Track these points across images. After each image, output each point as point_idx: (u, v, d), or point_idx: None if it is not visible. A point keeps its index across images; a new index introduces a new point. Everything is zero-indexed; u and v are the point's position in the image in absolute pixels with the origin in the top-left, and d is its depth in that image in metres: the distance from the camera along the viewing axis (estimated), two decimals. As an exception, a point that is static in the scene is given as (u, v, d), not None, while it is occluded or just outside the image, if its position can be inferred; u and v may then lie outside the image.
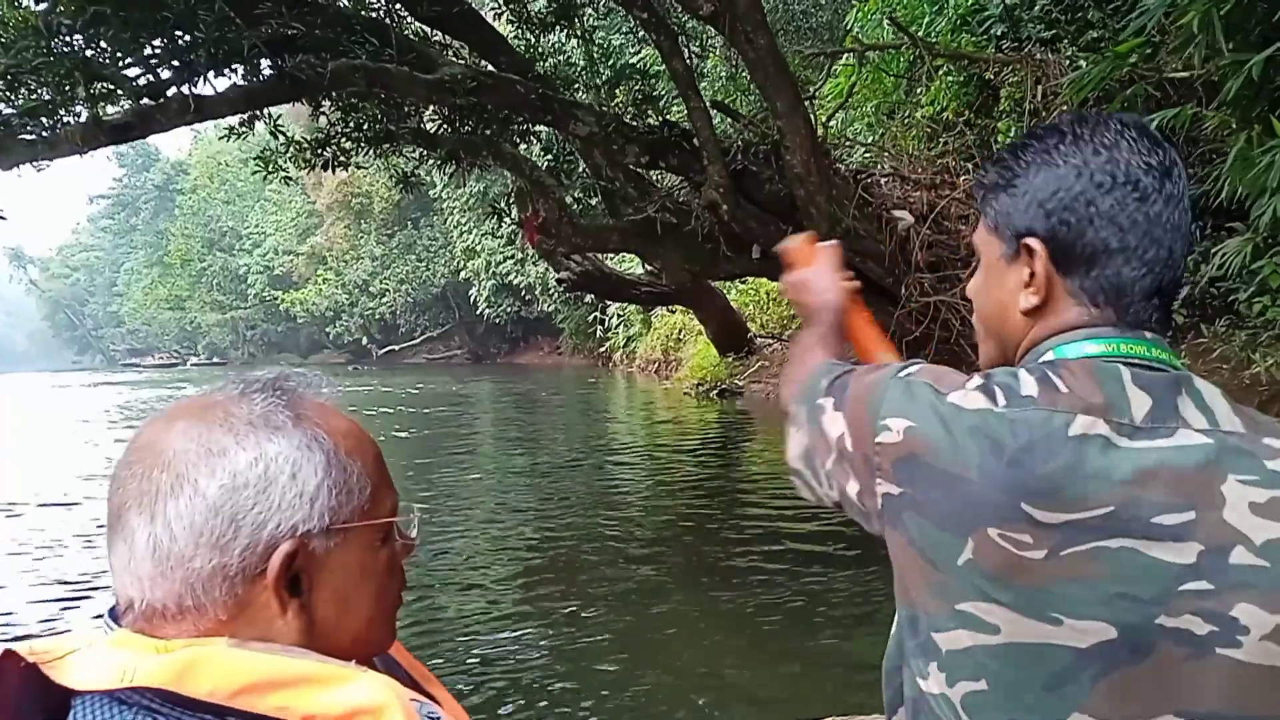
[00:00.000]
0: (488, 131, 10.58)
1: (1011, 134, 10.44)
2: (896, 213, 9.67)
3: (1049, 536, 0.81)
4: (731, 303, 16.62)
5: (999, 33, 11.35)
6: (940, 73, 11.96)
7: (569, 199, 10.52)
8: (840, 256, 1.42)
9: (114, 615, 0.76)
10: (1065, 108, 9.48)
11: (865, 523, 0.97)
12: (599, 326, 32.04)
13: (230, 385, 0.79)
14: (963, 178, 10.00)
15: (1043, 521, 0.81)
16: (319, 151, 11.62)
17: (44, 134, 7.13)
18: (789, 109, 9.24)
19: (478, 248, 38.77)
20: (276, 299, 54.76)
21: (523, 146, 11.40)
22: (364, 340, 51.97)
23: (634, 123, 9.79)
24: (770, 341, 16.35)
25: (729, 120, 10.28)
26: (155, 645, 0.70)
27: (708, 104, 9.81)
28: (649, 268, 15.50)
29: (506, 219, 12.16)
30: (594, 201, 10.98)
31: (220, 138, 12.92)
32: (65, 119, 7.25)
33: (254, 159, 12.04)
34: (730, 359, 16.36)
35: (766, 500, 8.62)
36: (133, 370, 65.68)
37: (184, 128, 9.01)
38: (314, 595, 0.75)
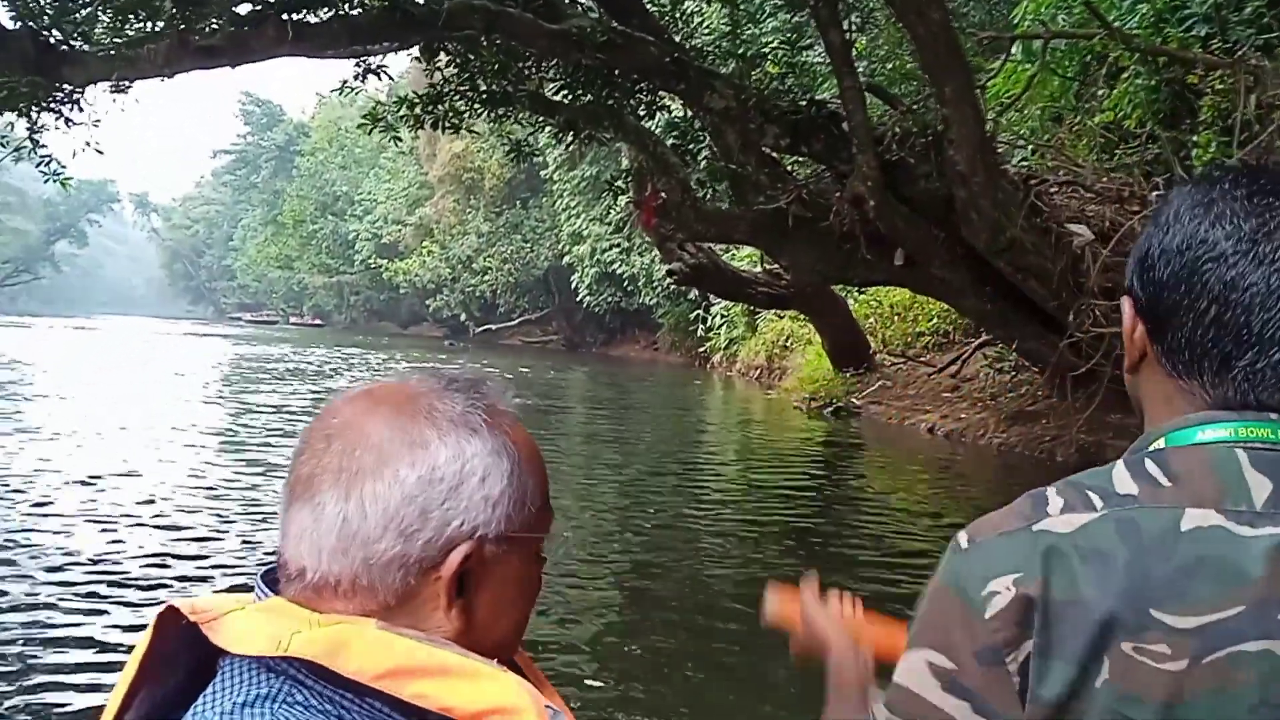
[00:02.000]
0: (611, 100, 9.62)
1: (1213, 149, 8.98)
2: (1073, 227, 8.36)
3: (1186, 643, 0.75)
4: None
5: (1203, 33, 9.86)
6: (1126, 75, 10.53)
7: (693, 181, 9.50)
8: (815, 590, 1.28)
9: (267, 580, 0.77)
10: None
11: None
12: (700, 325, 30.98)
13: (430, 379, 0.79)
14: (1154, 194, 8.61)
15: (1177, 627, 0.75)
16: (430, 109, 10.86)
17: (125, 51, 6.41)
18: (958, 96, 8.04)
19: (584, 233, 38.10)
20: (381, 267, 55.25)
21: (647, 122, 10.41)
22: (462, 316, 52.01)
23: (776, 100, 8.69)
24: (896, 361, 15.03)
25: (883, 107, 9.11)
26: (311, 618, 0.71)
27: (862, 85, 8.67)
28: (768, 266, 14.35)
29: (620, 200, 11.17)
30: (720, 188, 9.93)
31: (332, 91, 12.34)
32: (149, 37, 6.53)
33: (363, 116, 11.40)
34: (847, 374, 15.00)
35: (881, 531, 7.56)
36: (235, 324, 67.44)
37: (282, 58, 8.24)
38: (477, 596, 0.76)
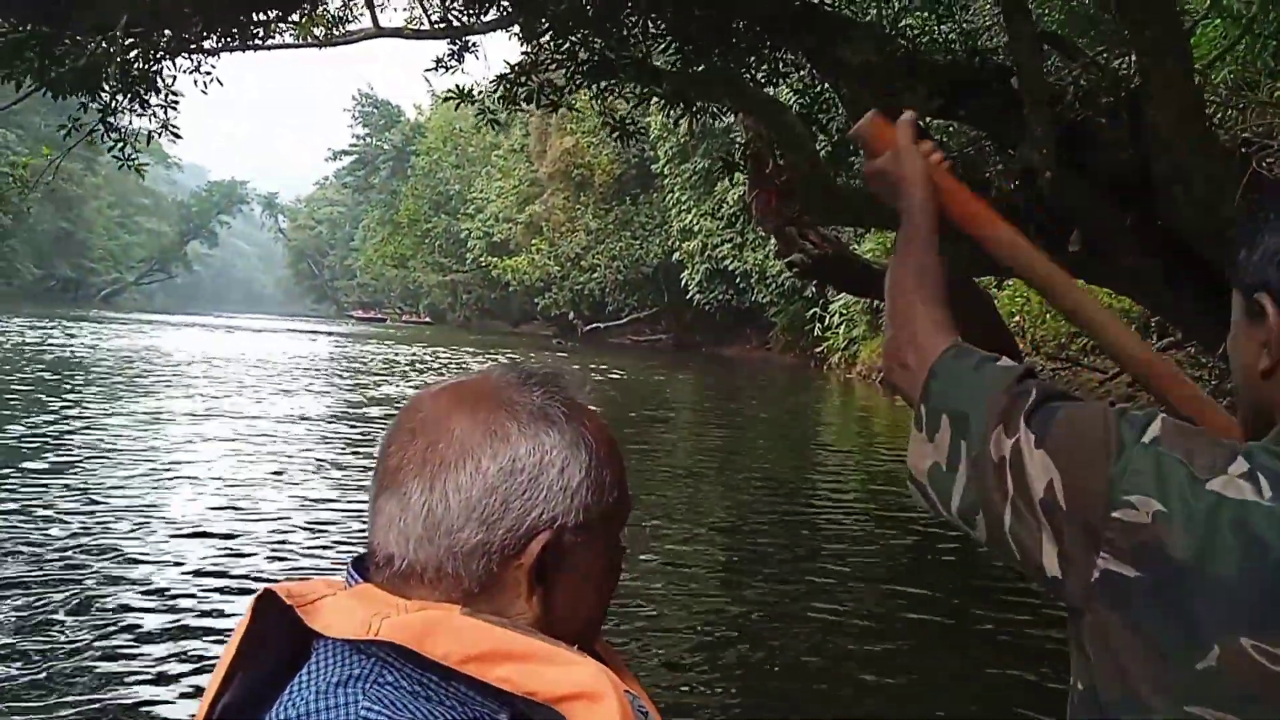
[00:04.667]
0: (726, 64, 8.28)
1: None
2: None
3: None
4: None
5: None
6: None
7: (824, 157, 8.11)
8: (915, 128, 1.23)
9: (357, 566, 0.80)
10: None
11: (1042, 579, 0.87)
12: (816, 324, 29.31)
13: (510, 373, 0.82)
14: None
15: None
16: (523, 81, 9.75)
17: None
18: (1162, 42, 6.43)
19: (695, 228, 36.87)
20: (491, 265, 55.18)
21: (769, 90, 9.04)
22: (571, 315, 51.47)
23: (927, 53, 7.21)
24: (1052, 364, 13.22)
25: (1060, 60, 7.54)
26: (399, 604, 0.73)
27: (1038, 32, 7.11)
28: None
29: (733, 193, 9.81)
30: (854, 162, 8.52)
31: (426, 71, 11.50)
32: None
33: (448, 90, 10.46)
34: None
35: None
36: (345, 322, 68.59)
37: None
38: (556, 584, 0.78)
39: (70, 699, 3.87)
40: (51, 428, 10.55)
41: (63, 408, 12.13)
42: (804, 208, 7.75)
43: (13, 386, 14.32)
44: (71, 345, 23.22)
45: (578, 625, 0.80)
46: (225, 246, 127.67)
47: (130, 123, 9.89)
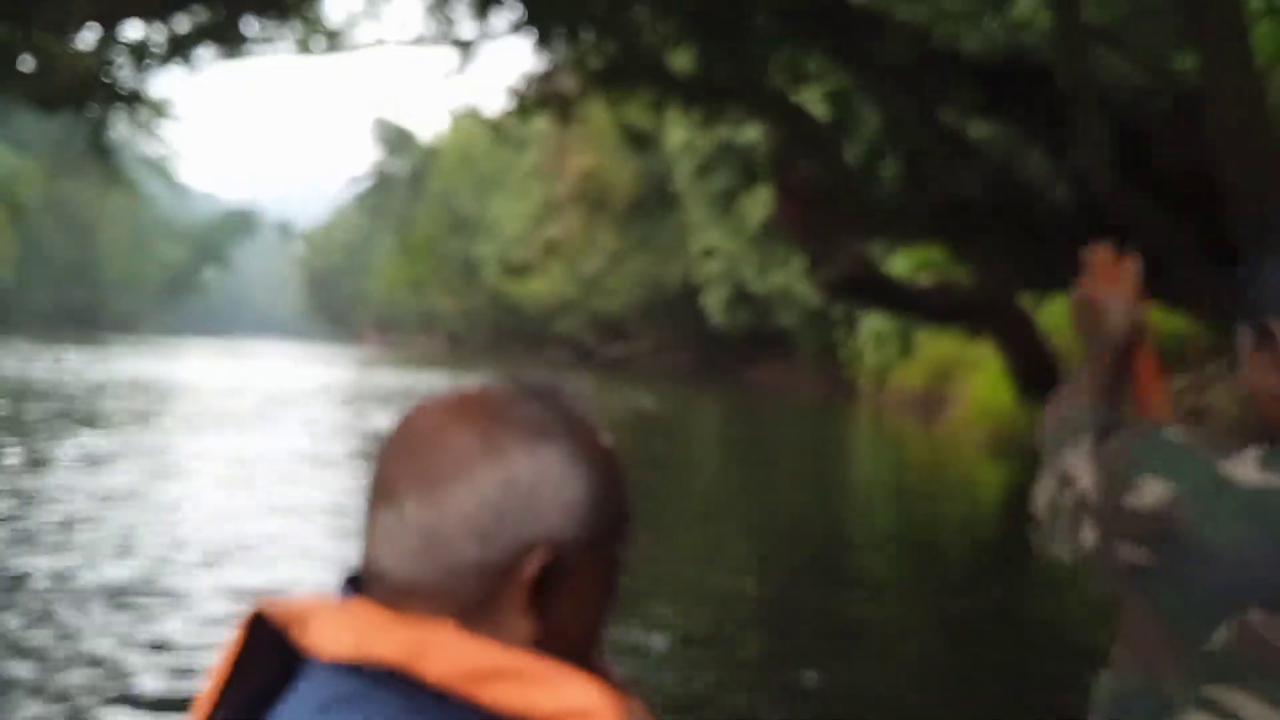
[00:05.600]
0: (745, 64, 7.75)
1: None
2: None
3: None
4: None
5: None
6: None
7: (853, 165, 7.54)
8: (1139, 279, 1.26)
9: (351, 581, 0.79)
10: None
11: (1102, 577, 0.93)
12: (845, 347, 28.54)
13: (510, 386, 0.81)
14: None
15: None
16: (533, 89, 9.30)
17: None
18: (1224, 37, 5.87)
19: (716, 248, 36.23)
20: (508, 290, 54.75)
21: (792, 94, 8.49)
22: (588, 340, 50.90)
23: (967, 52, 6.65)
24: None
25: (1113, 58, 6.94)
26: (392, 620, 0.73)
27: (1089, 28, 6.56)
28: (936, 276, 12.16)
29: (756, 211, 9.25)
30: (887, 174, 7.94)
31: (433, 82, 11.10)
32: None
33: (452, 108, 10.03)
34: (1039, 405, 12.40)
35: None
36: (356, 346, 68.26)
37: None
38: (554, 601, 0.77)
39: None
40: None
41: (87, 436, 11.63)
42: (830, 220, 7.18)
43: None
44: (85, 374, 22.83)
45: (576, 643, 0.78)
46: (240, 271, 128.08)
47: (126, 140, 9.51)
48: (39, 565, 6.08)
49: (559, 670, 0.71)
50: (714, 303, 38.05)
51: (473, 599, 0.74)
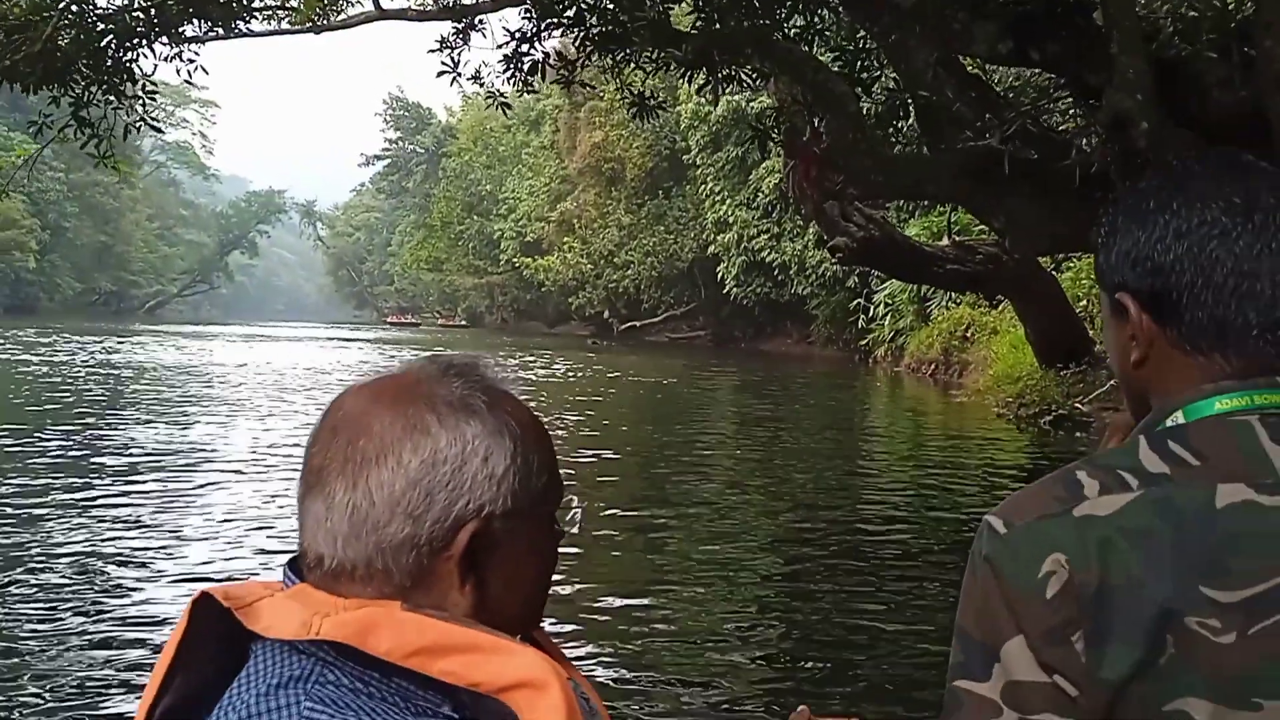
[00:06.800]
0: (752, 20, 7.23)
1: None
2: None
3: (1233, 617, 0.79)
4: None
5: None
6: None
7: (870, 118, 7.01)
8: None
9: (293, 567, 0.80)
10: None
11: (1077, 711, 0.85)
12: (860, 315, 28.02)
13: (430, 365, 0.82)
14: None
15: (1223, 602, 0.79)
16: (527, 51, 8.83)
17: None
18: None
19: (730, 219, 35.73)
20: (524, 265, 54.42)
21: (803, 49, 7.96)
22: (606, 314, 50.53)
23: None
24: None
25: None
26: (336, 602, 0.73)
27: (1123, -45, 5.98)
28: (956, 238, 11.56)
29: (769, 181, 8.77)
30: (903, 127, 7.41)
31: (430, 52, 10.79)
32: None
33: (441, 62, 9.57)
34: (1062, 372, 11.83)
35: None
36: (382, 328, 68.17)
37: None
38: (489, 572, 0.78)
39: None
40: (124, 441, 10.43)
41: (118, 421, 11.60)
42: (848, 178, 6.67)
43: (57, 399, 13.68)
44: (113, 359, 22.76)
45: (515, 612, 0.80)
46: (268, 256, 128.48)
47: (106, 116, 9.14)
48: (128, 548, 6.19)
49: (504, 643, 0.72)
50: (729, 273, 37.63)
51: (408, 576, 0.75)
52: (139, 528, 6.75)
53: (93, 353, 24.71)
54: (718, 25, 7.74)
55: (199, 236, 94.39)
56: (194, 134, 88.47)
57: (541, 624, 0.86)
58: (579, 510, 0.90)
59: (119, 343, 29.82)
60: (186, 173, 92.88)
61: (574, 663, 0.86)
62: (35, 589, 5.29)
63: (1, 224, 55.06)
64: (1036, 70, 6.69)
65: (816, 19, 7.41)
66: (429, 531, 0.74)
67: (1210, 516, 0.79)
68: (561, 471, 0.84)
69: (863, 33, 7.24)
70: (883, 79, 7.20)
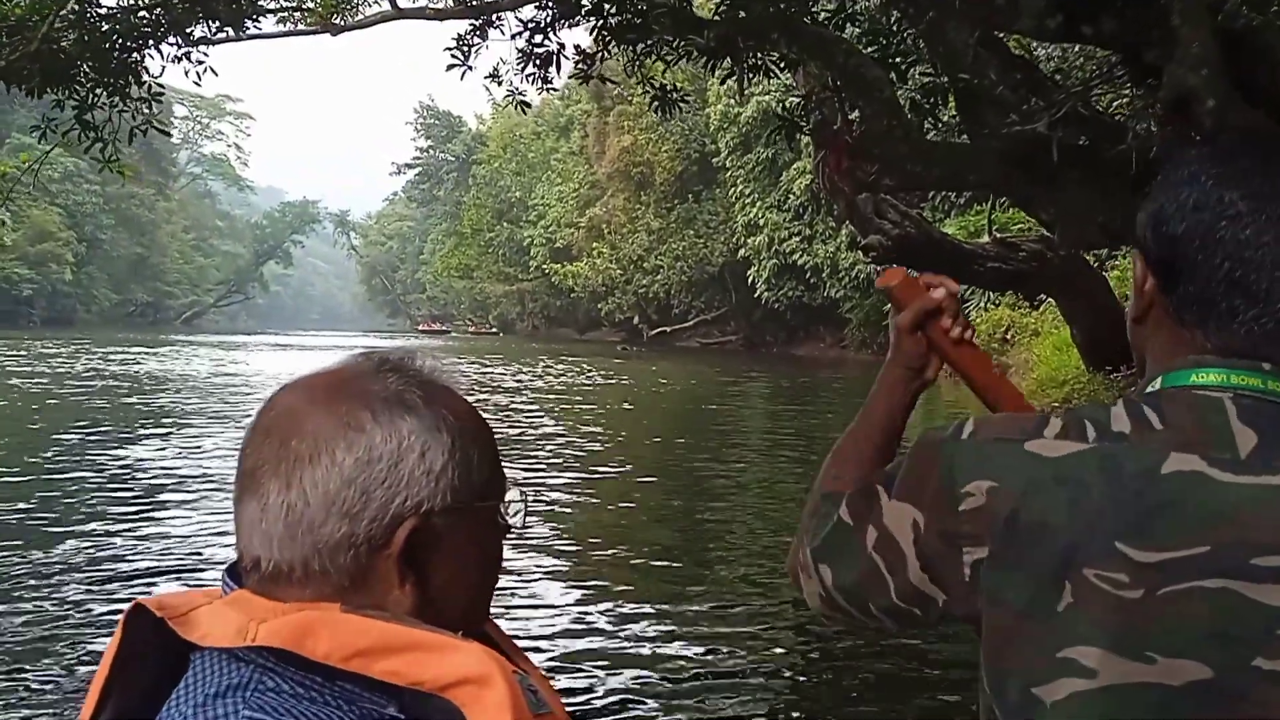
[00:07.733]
0: (778, 4, 6.80)
1: None
2: None
3: (1145, 576, 0.81)
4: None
5: None
6: None
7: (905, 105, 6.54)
8: (953, 301, 1.16)
9: (231, 573, 0.78)
10: None
11: (936, 609, 0.93)
12: (895, 319, 27.45)
13: (364, 361, 0.81)
14: None
15: (1138, 561, 0.81)
16: (536, 39, 8.50)
17: None
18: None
19: (760, 222, 35.28)
20: (554, 272, 54.20)
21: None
22: (636, 319, 50.15)
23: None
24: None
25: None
26: (274, 607, 0.72)
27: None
28: (996, 235, 11.02)
29: (800, 181, 8.34)
30: (941, 113, 6.93)
31: (446, 49, 10.57)
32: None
33: (452, 52, 9.26)
34: (1111, 375, 11.22)
35: None
36: (413, 336, 68.30)
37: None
38: (430, 570, 0.77)
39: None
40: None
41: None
42: (882, 168, 6.21)
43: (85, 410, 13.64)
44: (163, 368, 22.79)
45: (459, 609, 0.79)
46: (303, 265, 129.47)
47: (111, 120, 8.90)
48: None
49: (446, 640, 0.71)
50: (760, 277, 37.18)
51: (347, 576, 0.73)
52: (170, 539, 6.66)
53: (124, 363, 24.70)
54: (741, 11, 7.32)
55: (234, 247, 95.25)
56: (229, 145, 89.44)
57: (491, 617, 0.85)
58: (522, 504, 0.85)
59: (151, 352, 29.89)
60: (222, 184, 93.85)
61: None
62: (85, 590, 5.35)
63: (38, 237, 55.74)
64: (1085, 48, 6.19)
65: (848, 1, 6.95)
66: (366, 530, 0.73)
67: (1152, 479, 0.81)
68: (504, 468, 0.82)
69: (897, 13, 6.77)
70: (919, 63, 6.73)
